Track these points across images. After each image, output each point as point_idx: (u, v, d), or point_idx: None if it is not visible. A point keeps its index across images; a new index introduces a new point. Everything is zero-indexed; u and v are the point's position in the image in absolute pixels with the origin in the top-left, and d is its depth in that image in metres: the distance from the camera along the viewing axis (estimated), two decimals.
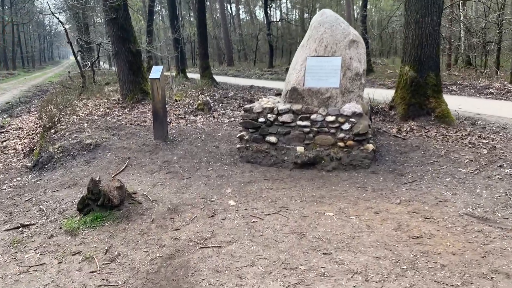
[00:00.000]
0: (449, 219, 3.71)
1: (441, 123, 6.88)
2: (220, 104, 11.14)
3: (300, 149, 5.45)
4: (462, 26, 18.18)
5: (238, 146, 5.81)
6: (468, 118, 8.06)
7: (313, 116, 5.39)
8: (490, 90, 12.96)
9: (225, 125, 7.88)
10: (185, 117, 8.76)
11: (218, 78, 19.10)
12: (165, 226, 3.87)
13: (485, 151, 5.41)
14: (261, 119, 5.62)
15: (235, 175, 5.28)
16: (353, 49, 5.48)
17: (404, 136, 6.36)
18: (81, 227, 3.88)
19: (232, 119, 8.47)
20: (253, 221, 3.86)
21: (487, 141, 5.89)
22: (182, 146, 6.56)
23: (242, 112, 5.79)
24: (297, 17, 38.44)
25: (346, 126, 5.26)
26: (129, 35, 10.64)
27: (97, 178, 4.23)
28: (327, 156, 5.35)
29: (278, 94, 14.99)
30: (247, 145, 5.72)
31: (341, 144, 5.30)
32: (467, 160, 5.17)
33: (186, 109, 9.65)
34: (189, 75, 22.59)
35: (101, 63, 31.74)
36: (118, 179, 4.36)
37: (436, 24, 6.92)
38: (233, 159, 5.88)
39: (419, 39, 6.98)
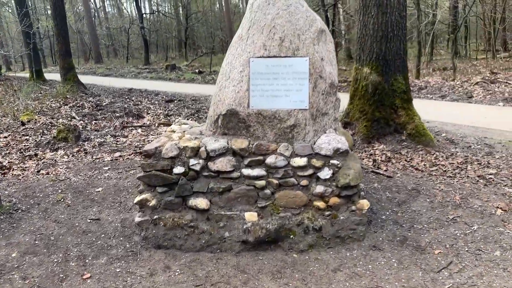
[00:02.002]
0: None
1: (417, 144, 5.58)
2: (94, 123, 8.56)
3: (250, 216, 3.47)
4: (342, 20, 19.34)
5: (138, 219, 3.56)
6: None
7: (269, 160, 3.46)
8: None
9: (106, 168, 5.33)
10: (37, 154, 5.96)
11: (86, 79, 16.39)
12: None
13: (511, 190, 4.14)
14: (177, 169, 3.48)
15: (138, 284, 3.05)
16: (322, 44, 3.70)
17: (385, 171, 4.83)
18: None
19: (118, 153, 5.95)
20: None
21: (495, 171, 4.69)
22: (29, 223, 3.97)
23: (142, 158, 3.56)
24: (171, 9, 37.86)
25: (325, 174, 3.45)
26: None
27: None
28: (299, 225, 3.47)
29: (170, 100, 12.91)
30: (155, 216, 3.52)
31: (319, 204, 3.47)
32: (500, 210, 3.81)
33: (40, 138, 6.84)
34: (49, 75, 20.11)
35: None
36: None
37: (403, 9, 5.59)
38: (131, 245, 3.60)
39: (383, 30, 5.55)
